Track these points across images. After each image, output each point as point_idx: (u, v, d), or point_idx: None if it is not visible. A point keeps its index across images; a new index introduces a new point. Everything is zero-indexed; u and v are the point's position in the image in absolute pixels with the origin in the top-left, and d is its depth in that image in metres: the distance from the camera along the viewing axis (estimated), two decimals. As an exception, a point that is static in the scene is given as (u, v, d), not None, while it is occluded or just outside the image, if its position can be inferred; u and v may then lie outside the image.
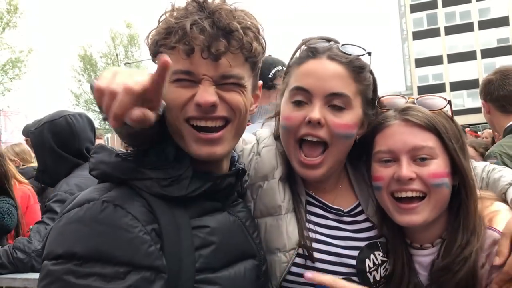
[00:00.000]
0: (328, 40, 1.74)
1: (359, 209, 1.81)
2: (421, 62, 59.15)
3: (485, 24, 56.81)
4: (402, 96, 1.78)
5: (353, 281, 1.66)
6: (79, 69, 41.30)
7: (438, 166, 1.62)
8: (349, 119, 1.64)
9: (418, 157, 1.62)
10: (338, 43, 1.72)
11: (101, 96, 1.15)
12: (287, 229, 1.68)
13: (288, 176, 1.78)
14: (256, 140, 1.85)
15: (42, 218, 3.07)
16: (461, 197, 1.67)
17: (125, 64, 41.33)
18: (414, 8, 60.36)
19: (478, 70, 56.44)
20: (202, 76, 1.37)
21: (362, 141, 1.75)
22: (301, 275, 1.62)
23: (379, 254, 1.73)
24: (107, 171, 1.38)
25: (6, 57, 32.62)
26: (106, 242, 1.18)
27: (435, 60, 58.52)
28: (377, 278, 1.71)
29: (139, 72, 1.21)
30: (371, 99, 1.74)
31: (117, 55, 42.26)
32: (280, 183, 1.74)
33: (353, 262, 1.69)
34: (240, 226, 1.54)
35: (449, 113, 1.72)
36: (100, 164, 1.40)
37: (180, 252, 1.29)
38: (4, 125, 13.41)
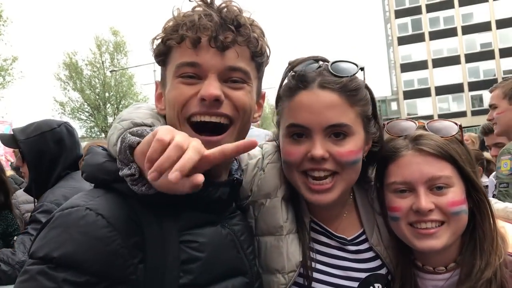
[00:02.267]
0: (316, 60, 1.65)
1: (363, 237, 1.75)
2: (406, 67, 59.65)
3: (468, 29, 57.55)
4: (411, 120, 1.75)
5: None
6: (64, 77, 40.92)
7: (455, 194, 1.61)
8: (353, 146, 1.57)
9: (435, 186, 1.60)
10: (327, 61, 1.64)
11: (162, 148, 1.06)
12: (288, 251, 1.63)
13: (292, 196, 1.72)
14: (262, 154, 1.80)
15: (26, 228, 3.01)
16: (475, 219, 1.66)
17: (111, 71, 41.07)
18: (399, 14, 60.95)
19: (462, 74, 57.13)
20: (208, 68, 1.35)
21: (368, 163, 1.72)
22: None
23: (378, 286, 1.69)
24: (92, 173, 1.37)
25: (-10, 66, 32.25)
26: (81, 251, 1.17)
27: (420, 65, 59.07)
28: None
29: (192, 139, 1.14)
30: (371, 115, 1.67)
31: (103, 62, 41.97)
32: (283, 202, 1.69)
33: None
34: (233, 241, 1.48)
35: (459, 137, 1.70)
36: (87, 167, 1.39)
37: (163, 267, 1.26)
38: (-11, 134, 13.16)
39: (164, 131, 1.11)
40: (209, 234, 1.39)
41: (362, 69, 1.63)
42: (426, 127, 1.71)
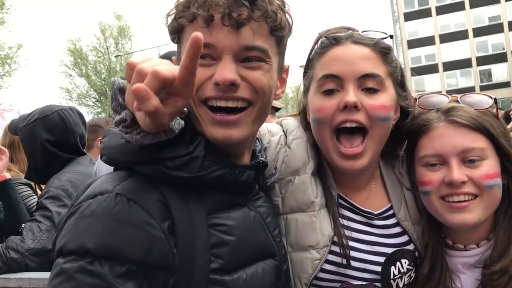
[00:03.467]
0: (348, 29, 1.67)
1: (390, 212, 1.73)
2: (413, 43, 58.97)
3: (476, 2, 56.58)
4: (444, 95, 1.71)
5: (376, 287, 1.64)
6: (70, 63, 40.94)
7: (489, 167, 1.57)
8: (385, 100, 1.57)
9: (468, 159, 1.57)
10: (357, 31, 1.66)
11: (130, 74, 1.04)
12: (321, 226, 1.62)
13: (319, 170, 1.71)
14: (283, 131, 1.76)
15: (34, 215, 3.00)
16: (510, 195, 1.63)
17: (116, 56, 41.02)
18: (405, -11, 60.01)
19: (470, 49, 56.39)
20: (222, 49, 1.27)
21: (395, 138, 1.70)
22: (333, 273, 1.61)
23: (405, 262, 1.67)
24: (112, 155, 1.32)
25: (-5, 54, 32.32)
26: (119, 239, 1.12)
27: (427, 41, 58.36)
28: (400, 285, 1.67)
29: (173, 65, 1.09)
30: (400, 82, 1.67)
31: (107, 47, 41.93)
32: (312, 177, 1.67)
33: (378, 268, 1.64)
34: (261, 223, 1.45)
35: (494, 111, 1.66)
36: (106, 149, 1.34)
37: (193, 251, 1.22)
38: (-3, 123, 13.25)
39: (145, 63, 1.05)
40: (237, 217, 1.36)
41: (391, 36, 1.66)
42: (459, 101, 1.67)
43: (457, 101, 1.68)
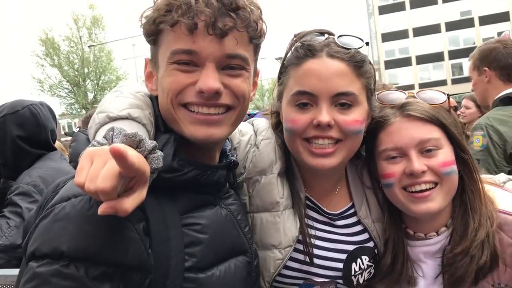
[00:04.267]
0: (322, 33, 1.67)
1: (351, 211, 1.80)
2: (387, 37, 59.54)
3: (448, -3, 57.50)
4: (401, 91, 1.79)
5: (337, 283, 1.69)
6: (41, 53, 39.96)
7: (445, 155, 1.65)
8: (357, 115, 1.60)
9: (425, 149, 1.64)
10: (333, 35, 1.66)
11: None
12: (284, 226, 1.66)
13: (287, 171, 1.75)
14: (254, 131, 1.80)
15: (3, 212, 2.93)
16: (464, 182, 1.71)
17: (89, 46, 40.21)
18: (379, -17, 60.50)
19: (443, 43, 57.29)
20: (205, 56, 1.29)
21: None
22: (296, 270, 1.66)
23: (365, 259, 1.73)
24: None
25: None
26: (94, 241, 1.12)
27: (401, 34, 58.99)
28: (360, 281, 1.73)
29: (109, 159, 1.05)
30: (373, 90, 1.72)
31: (80, 37, 41.04)
32: (278, 178, 1.71)
33: (340, 265, 1.69)
34: (232, 220, 1.49)
35: (447, 106, 1.74)
36: (74, 156, 1.32)
37: (168, 251, 1.24)
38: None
39: (80, 167, 1.06)
40: (209, 215, 1.39)
41: (367, 43, 1.66)
42: (415, 96, 1.75)
43: (413, 97, 1.76)
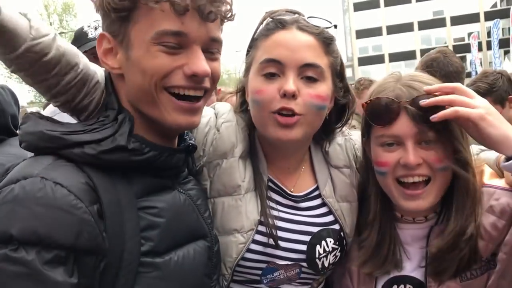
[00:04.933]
0: (294, 12, 1.68)
1: (316, 192, 1.77)
2: (361, 34, 60.30)
3: (422, -4, 58.49)
4: (392, 99, 1.65)
5: (301, 266, 1.67)
6: (10, 39, 38.78)
7: (442, 150, 1.61)
8: (321, 90, 1.60)
9: (423, 140, 1.60)
10: (303, 15, 1.67)
11: None
12: (246, 209, 1.63)
13: (250, 153, 1.73)
14: (214, 114, 1.76)
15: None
16: (457, 173, 1.66)
17: (60, 33, 39.30)
18: (355, -20, 61.04)
19: (415, 41, 58.34)
20: (193, 39, 1.27)
21: (325, 122, 1.72)
22: (260, 253, 1.63)
23: (330, 241, 1.70)
24: (33, 142, 1.26)
25: None
26: (45, 224, 1.07)
27: (375, 32, 59.84)
28: (326, 264, 1.70)
29: None
30: (339, 73, 1.70)
31: (51, 23, 40.06)
32: (240, 161, 1.68)
33: (304, 247, 1.67)
34: (191, 205, 1.46)
35: None
36: (26, 135, 1.27)
37: (123, 234, 1.20)
38: None
39: None
40: (167, 199, 1.35)
41: (335, 26, 1.67)
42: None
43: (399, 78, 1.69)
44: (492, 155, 1.72)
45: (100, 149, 1.22)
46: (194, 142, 1.55)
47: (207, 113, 1.74)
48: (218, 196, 1.66)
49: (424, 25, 58.26)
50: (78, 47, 1.49)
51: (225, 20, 1.37)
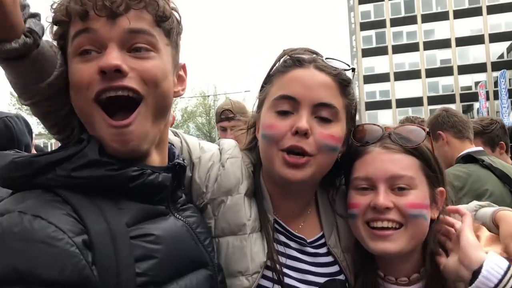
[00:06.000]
0: (312, 52, 1.66)
1: (322, 240, 1.70)
2: (369, 79, 61.00)
3: (429, 45, 59.43)
4: (378, 126, 1.71)
5: None
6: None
7: (416, 196, 1.56)
8: (335, 132, 1.56)
9: (397, 186, 1.56)
10: (321, 56, 1.65)
11: None
12: (252, 251, 1.55)
13: (255, 192, 1.67)
14: (219, 149, 1.71)
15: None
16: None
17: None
18: (364, 26, 62.32)
19: (422, 88, 58.87)
20: (104, 36, 1.21)
21: (334, 167, 1.67)
22: None
23: None
24: (6, 175, 1.20)
25: None
26: (25, 260, 1.00)
27: (383, 77, 60.52)
28: None
29: None
30: (353, 116, 1.67)
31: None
32: (245, 198, 1.62)
33: None
34: (189, 231, 1.38)
35: (428, 143, 1.67)
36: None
37: (117, 266, 1.12)
38: None
39: None
40: (163, 226, 1.28)
41: (353, 70, 1.65)
42: (392, 133, 1.67)
43: (390, 134, 1.67)
44: (489, 210, 1.66)
45: (71, 167, 1.16)
46: (182, 162, 1.44)
47: (210, 149, 1.70)
48: (223, 236, 1.58)
49: (432, 72, 58.92)
50: None
51: (155, 16, 1.28)
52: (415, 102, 58.04)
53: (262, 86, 1.71)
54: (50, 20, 1.27)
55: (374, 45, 61.72)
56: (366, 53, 61.86)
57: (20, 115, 3.25)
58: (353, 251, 1.72)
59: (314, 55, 1.64)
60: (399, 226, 1.55)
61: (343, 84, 1.60)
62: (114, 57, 1.19)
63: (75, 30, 1.23)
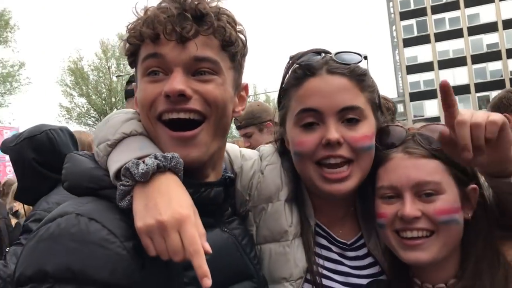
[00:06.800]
0: (318, 52, 1.61)
1: (361, 241, 1.68)
2: (412, 69, 59.46)
3: (474, 30, 57.28)
4: (401, 126, 1.65)
5: None
6: (70, 83, 41.09)
7: (445, 201, 1.48)
8: (366, 130, 1.53)
9: (423, 192, 1.49)
10: (329, 53, 1.60)
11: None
12: (295, 257, 1.56)
13: (296, 197, 1.65)
14: (259, 156, 1.72)
15: (19, 239, 2.91)
16: (475, 229, 1.54)
17: (117, 76, 41.22)
18: (404, 16, 60.81)
19: (468, 75, 56.83)
20: (171, 61, 1.28)
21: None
22: None
23: None
24: (74, 182, 1.29)
25: (-2, 72, 32.50)
26: (79, 260, 1.06)
27: (426, 67, 58.86)
28: None
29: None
30: (378, 104, 1.64)
31: (109, 67, 42.16)
32: (286, 205, 1.62)
33: None
34: (235, 244, 1.42)
35: None
36: (69, 175, 1.31)
37: (165, 274, 1.18)
38: (-3, 140, 13.31)
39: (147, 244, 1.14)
40: (210, 237, 1.29)
41: (365, 57, 1.60)
42: (416, 134, 1.59)
43: (413, 135, 1.60)
44: None
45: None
46: (231, 175, 1.52)
47: (251, 156, 1.71)
48: (265, 243, 1.59)
49: (478, 58, 56.77)
50: None
51: (221, 41, 1.33)
52: (462, 90, 56.07)
53: (279, 102, 1.70)
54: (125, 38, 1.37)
55: (415, 34, 60.10)
56: (408, 42, 60.32)
57: (65, 127, 3.37)
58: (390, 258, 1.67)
59: (323, 56, 1.59)
60: (430, 234, 1.48)
61: (360, 79, 1.56)
62: (178, 81, 1.26)
63: (146, 53, 1.31)
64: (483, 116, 1.31)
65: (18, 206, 4.94)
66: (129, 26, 1.34)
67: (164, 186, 1.18)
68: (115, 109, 40.44)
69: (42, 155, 3.10)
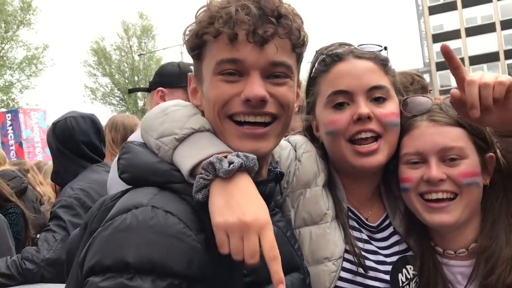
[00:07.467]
0: (345, 44, 1.75)
1: (387, 222, 1.80)
2: (438, 37, 57.89)
3: (503, -6, 55.21)
4: (426, 96, 1.74)
5: None
6: (93, 63, 41.50)
7: (468, 165, 1.58)
8: (393, 108, 1.66)
9: (448, 157, 1.58)
10: (354, 45, 1.73)
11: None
12: (334, 237, 1.66)
13: (329, 182, 1.76)
14: (292, 146, 1.80)
15: (48, 225, 2.97)
16: (492, 195, 1.64)
17: (139, 55, 41.43)
18: (429, -18, 58.97)
19: (498, 42, 55.10)
20: (249, 65, 1.29)
21: None
22: (349, 281, 1.64)
23: (410, 268, 1.71)
24: (141, 175, 1.30)
25: (22, 55, 33.04)
26: (160, 252, 1.10)
27: (453, 35, 57.24)
28: None
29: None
30: (398, 89, 1.77)
31: (130, 46, 42.36)
32: (323, 190, 1.72)
33: (387, 277, 1.66)
34: (282, 237, 1.46)
35: None
36: (131, 167, 1.33)
37: (229, 265, 1.20)
38: (24, 122, 13.54)
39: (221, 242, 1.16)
40: None
41: (385, 48, 1.74)
42: (442, 104, 1.68)
43: (439, 105, 1.69)
44: None
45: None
46: (280, 170, 1.55)
47: (285, 146, 1.77)
48: (304, 226, 1.67)
49: (508, 24, 54.84)
50: None
51: (294, 43, 1.34)
52: (490, 57, 54.55)
53: (308, 90, 1.80)
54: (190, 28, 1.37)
55: (441, 1, 58.32)
56: (433, 10, 58.68)
57: (89, 115, 3.43)
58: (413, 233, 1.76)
59: (347, 47, 1.73)
60: (453, 197, 1.58)
61: (384, 63, 1.70)
62: (258, 86, 1.28)
63: (221, 55, 1.30)
64: (491, 77, 1.39)
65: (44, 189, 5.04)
66: (198, 18, 1.34)
67: (244, 185, 1.22)
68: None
69: (61, 141, 3.23)
